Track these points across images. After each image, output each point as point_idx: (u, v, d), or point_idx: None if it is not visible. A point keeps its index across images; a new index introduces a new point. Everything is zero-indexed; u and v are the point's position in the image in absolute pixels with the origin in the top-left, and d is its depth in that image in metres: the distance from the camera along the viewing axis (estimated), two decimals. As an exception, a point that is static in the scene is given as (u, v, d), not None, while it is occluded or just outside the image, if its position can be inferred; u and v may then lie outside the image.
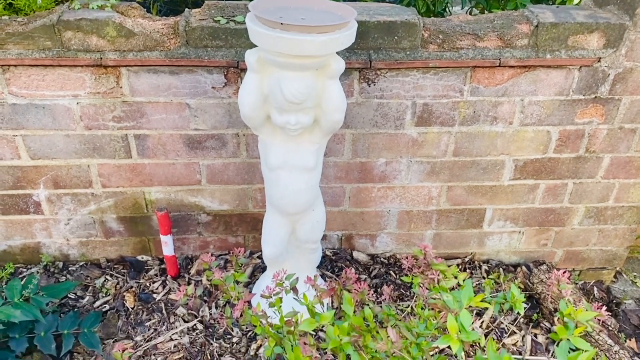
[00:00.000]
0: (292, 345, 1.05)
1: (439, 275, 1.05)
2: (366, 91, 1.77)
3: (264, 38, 1.34)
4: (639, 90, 1.84)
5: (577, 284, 2.32)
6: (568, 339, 0.95)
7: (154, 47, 1.65)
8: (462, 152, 1.93)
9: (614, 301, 2.31)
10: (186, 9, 1.72)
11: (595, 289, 2.35)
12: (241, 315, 1.15)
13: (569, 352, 0.98)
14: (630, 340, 2.09)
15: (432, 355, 1.10)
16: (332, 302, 1.85)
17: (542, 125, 1.89)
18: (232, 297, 1.12)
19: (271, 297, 1.14)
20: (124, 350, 1.20)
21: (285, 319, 1.11)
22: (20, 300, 1.69)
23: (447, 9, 3.07)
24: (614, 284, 2.40)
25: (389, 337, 1.01)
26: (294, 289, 1.17)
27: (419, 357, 0.99)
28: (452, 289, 1.16)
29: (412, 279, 1.28)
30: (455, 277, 1.06)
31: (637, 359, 1.85)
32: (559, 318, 1.00)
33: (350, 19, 1.40)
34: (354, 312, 1.11)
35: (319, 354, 1.01)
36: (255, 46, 1.44)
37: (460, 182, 2.01)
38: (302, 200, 1.63)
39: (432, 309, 1.11)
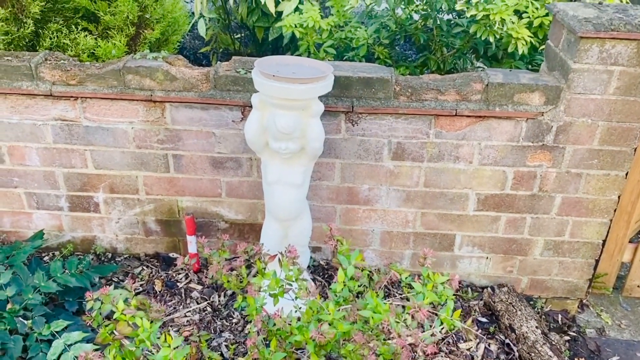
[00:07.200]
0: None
1: (337, 242, 1.48)
2: (351, 130, 2.25)
3: (263, 86, 1.86)
4: (579, 141, 2.22)
5: (542, 308, 2.62)
6: (423, 293, 1.35)
7: (190, 88, 2.20)
8: (432, 184, 2.35)
9: (576, 329, 2.60)
10: (218, 62, 2.27)
11: (560, 316, 2.64)
12: (212, 277, 1.61)
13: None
14: (580, 359, 2.38)
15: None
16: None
17: (498, 166, 2.29)
18: (213, 262, 1.58)
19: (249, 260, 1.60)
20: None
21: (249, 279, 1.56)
22: (76, 272, 2.23)
23: (456, 67, 3.53)
24: (580, 315, 2.69)
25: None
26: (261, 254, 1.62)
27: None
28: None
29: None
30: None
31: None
32: (420, 277, 1.40)
33: (327, 74, 1.91)
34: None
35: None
36: (258, 92, 1.95)
37: (432, 210, 2.42)
38: (292, 209, 2.11)
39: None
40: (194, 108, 2.25)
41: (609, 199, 2.34)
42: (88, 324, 1.61)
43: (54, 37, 2.42)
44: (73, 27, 2.45)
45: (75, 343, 1.97)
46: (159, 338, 1.57)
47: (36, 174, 2.44)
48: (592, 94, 2.11)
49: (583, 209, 2.37)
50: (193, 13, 3.45)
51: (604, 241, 2.48)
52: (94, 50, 2.44)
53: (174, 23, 2.89)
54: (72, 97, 2.23)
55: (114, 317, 1.60)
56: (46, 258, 2.60)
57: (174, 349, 1.49)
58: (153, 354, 1.54)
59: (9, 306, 2.06)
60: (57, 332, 2.01)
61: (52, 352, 1.95)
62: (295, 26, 2.74)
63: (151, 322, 1.60)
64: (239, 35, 4.32)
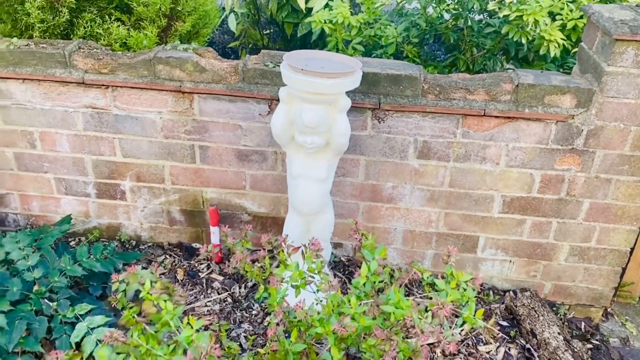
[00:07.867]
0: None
1: (362, 237, 1.48)
2: (377, 127, 2.24)
3: (291, 79, 1.87)
4: (610, 145, 2.17)
5: (565, 315, 2.58)
6: (445, 290, 1.34)
7: (219, 80, 2.22)
8: (457, 184, 2.33)
9: (599, 337, 2.55)
10: (247, 55, 2.29)
11: (583, 324, 2.60)
12: (236, 266, 1.62)
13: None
14: (603, 368, 2.34)
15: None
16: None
17: (526, 168, 2.26)
18: (236, 252, 1.59)
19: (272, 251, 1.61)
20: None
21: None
22: (101, 257, 2.27)
23: (485, 68, 3.49)
24: (604, 323, 2.64)
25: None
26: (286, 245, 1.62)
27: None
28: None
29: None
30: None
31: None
32: (443, 275, 1.39)
33: (356, 69, 1.90)
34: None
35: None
36: (286, 85, 1.96)
37: (456, 210, 2.40)
38: (315, 203, 2.11)
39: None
40: (221, 100, 2.26)
41: (638, 206, 2.29)
42: (113, 305, 1.64)
43: (88, 27, 2.47)
44: (106, 17, 2.49)
45: (98, 327, 2.01)
46: (181, 322, 1.58)
47: (66, 160, 2.49)
48: (625, 98, 2.07)
49: (611, 215, 2.32)
50: (224, 8, 3.48)
51: (632, 249, 2.42)
52: (126, 40, 2.48)
53: (204, 16, 2.91)
54: (103, 85, 2.27)
55: (140, 296, 1.62)
56: (72, 243, 2.64)
57: (197, 330, 1.50)
58: (176, 335, 1.55)
59: (35, 288, 2.11)
60: (81, 315, 2.04)
61: (76, 335, 1.99)
62: (325, 22, 2.74)
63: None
64: (267, 31, 4.34)
